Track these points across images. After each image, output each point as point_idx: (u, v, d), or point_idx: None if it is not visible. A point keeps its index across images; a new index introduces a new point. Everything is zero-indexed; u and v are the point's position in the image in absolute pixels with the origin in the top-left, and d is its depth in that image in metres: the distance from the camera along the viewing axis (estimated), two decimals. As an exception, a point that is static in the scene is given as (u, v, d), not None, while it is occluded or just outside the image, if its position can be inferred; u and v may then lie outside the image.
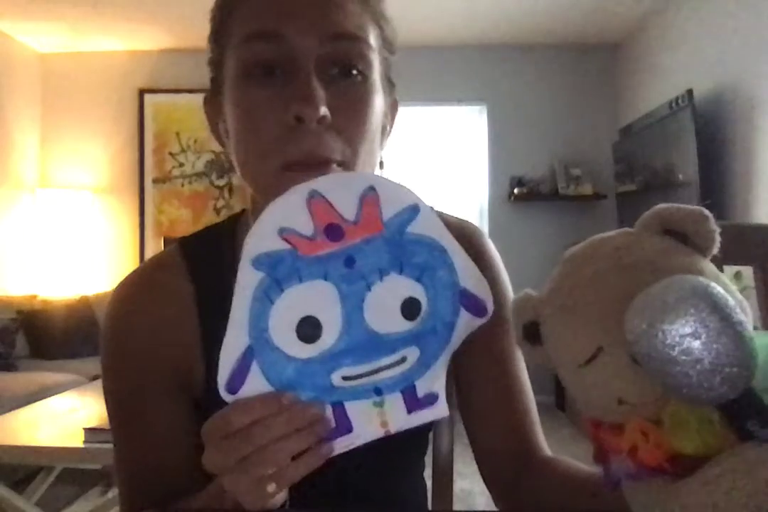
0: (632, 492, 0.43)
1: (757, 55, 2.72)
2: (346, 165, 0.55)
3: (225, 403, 0.62)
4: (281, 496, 0.47)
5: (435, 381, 0.47)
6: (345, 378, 0.45)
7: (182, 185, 4.33)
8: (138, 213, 4.37)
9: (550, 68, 4.29)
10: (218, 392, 0.62)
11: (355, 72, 0.55)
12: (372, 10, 0.59)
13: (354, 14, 0.56)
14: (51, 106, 4.38)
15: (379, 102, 0.58)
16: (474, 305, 0.48)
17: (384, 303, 0.45)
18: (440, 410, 0.47)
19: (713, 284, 0.36)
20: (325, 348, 0.44)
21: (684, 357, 0.35)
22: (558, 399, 4.00)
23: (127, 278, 0.66)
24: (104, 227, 4.36)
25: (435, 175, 4.31)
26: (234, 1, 0.58)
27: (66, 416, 2.02)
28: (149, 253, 4.30)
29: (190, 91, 3.95)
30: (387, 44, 0.62)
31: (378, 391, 0.46)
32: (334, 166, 0.54)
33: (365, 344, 0.45)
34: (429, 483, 0.80)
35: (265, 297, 0.43)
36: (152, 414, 0.63)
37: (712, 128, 3.02)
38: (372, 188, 0.44)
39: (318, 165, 0.53)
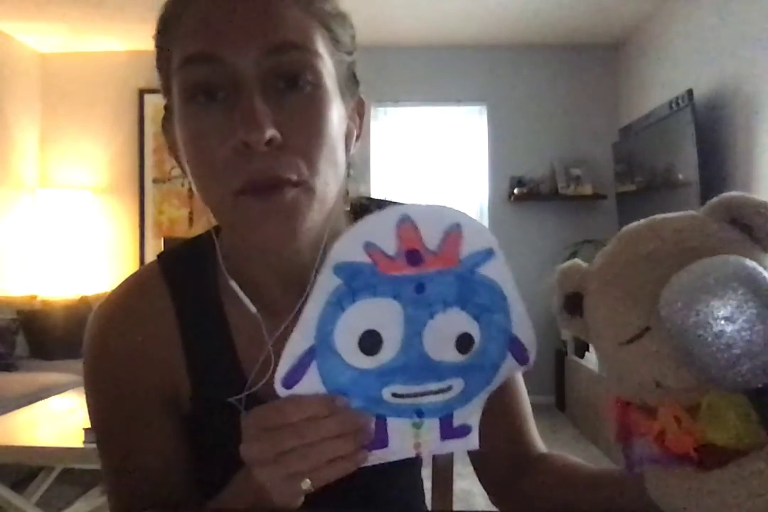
0: (653, 476, 0.43)
1: (757, 55, 2.72)
2: (305, 183, 0.52)
3: (212, 417, 0.62)
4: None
5: (471, 414, 0.50)
6: (394, 395, 0.47)
7: (182, 185, 4.33)
8: (138, 213, 4.37)
9: (550, 68, 4.30)
10: (204, 408, 0.62)
11: (302, 83, 0.52)
12: (316, 12, 0.55)
13: (295, 21, 0.53)
14: (51, 106, 4.38)
15: (335, 110, 0.55)
16: (520, 353, 0.50)
17: (442, 333, 0.47)
18: (471, 442, 0.50)
19: (759, 269, 0.35)
20: (381, 363, 0.46)
21: (716, 341, 0.34)
22: (558, 400, 4.00)
23: (107, 299, 0.65)
24: (104, 227, 4.36)
25: (435, 175, 4.31)
26: (168, 24, 0.56)
27: (66, 416, 2.02)
28: (149, 253, 4.30)
29: None
30: (340, 45, 0.58)
31: (419, 413, 0.48)
32: (289, 187, 0.51)
33: (418, 366, 0.47)
34: (429, 483, 0.80)
35: (338, 303, 0.45)
36: (138, 432, 0.62)
37: (712, 128, 3.02)
38: (458, 225, 0.46)
39: (272, 186, 0.51)
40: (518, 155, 4.26)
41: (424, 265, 0.46)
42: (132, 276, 0.67)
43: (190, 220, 4.27)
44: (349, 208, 0.69)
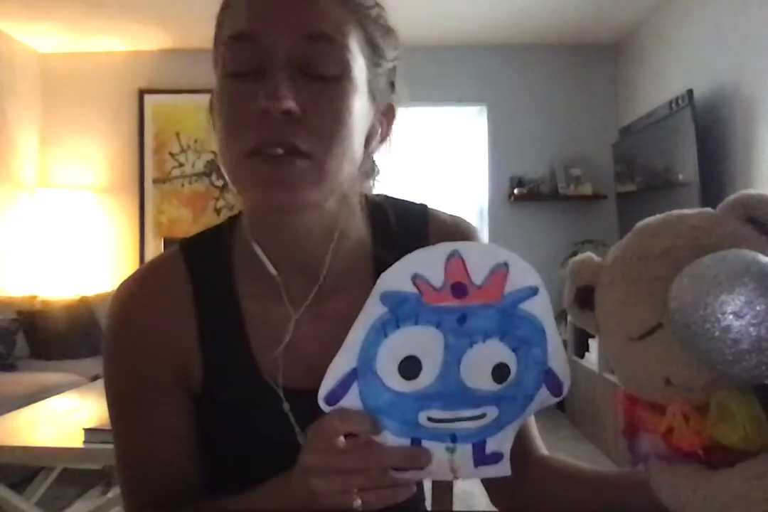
0: (659, 473, 0.43)
1: (757, 55, 2.72)
2: (316, 159, 0.55)
3: (223, 401, 0.64)
4: None
5: (504, 442, 0.51)
6: (430, 419, 0.49)
7: (182, 185, 4.33)
8: (138, 213, 4.37)
9: (550, 68, 4.30)
10: (215, 390, 0.64)
11: (328, 73, 0.56)
12: (355, 11, 0.58)
13: (331, 14, 0.56)
14: (51, 106, 4.38)
15: (358, 103, 0.58)
16: (554, 385, 0.52)
17: (479, 362, 0.49)
18: (503, 469, 0.51)
19: None
20: (419, 388, 0.48)
21: (723, 335, 0.34)
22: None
23: (128, 279, 0.67)
24: (104, 227, 4.36)
25: (435, 175, 4.31)
26: (225, 3, 0.60)
27: (66, 416, 2.02)
28: (149, 253, 4.30)
29: (190, 92, 3.94)
30: (376, 48, 0.62)
31: (453, 438, 0.50)
32: (299, 158, 0.54)
33: (454, 393, 0.49)
34: (429, 483, 0.80)
35: (382, 329, 0.48)
36: (152, 411, 0.64)
37: (712, 128, 3.02)
38: (505, 264, 0.49)
39: (283, 153, 0.54)
40: (518, 155, 4.26)
41: (468, 298, 0.48)
42: (153, 259, 0.70)
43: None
44: (368, 210, 0.71)
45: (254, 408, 0.63)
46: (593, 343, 3.41)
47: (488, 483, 0.72)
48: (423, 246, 0.66)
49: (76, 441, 1.71)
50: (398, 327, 0.48)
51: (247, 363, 0.64)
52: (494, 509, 0.72)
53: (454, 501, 0.84)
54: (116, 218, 4.39)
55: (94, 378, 3.02)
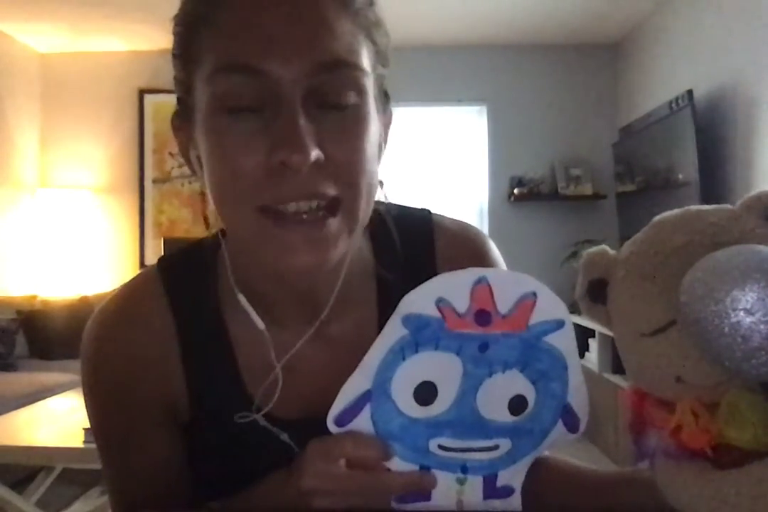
0: (664, 469, 0.42)
1: (757, 55, 2.72)
2: (345, 202, 0.50)
3: (212, 428, 0.61)
4: None
5: (516, 476, 0.50)
6: (440, 447, 0.48)
7: (182, 185, 4.32)
8: (138, 213, 4.37)
9: (550, 68, 4.29)
10: (204, 419, 0.61)
11: (346, 102, 0.49)
12: (364, 23, 0.51)
13: (345, 34, 0.49)
14: (51, 106, 4.37)
15: (374, 129, 0.52)
16: (571, 422, 0.50)
17: (497, 392, 0.47)
18: (513, 504, 0.50)
19: None
20: (432, 414, 0.47)
21: (732, 331, 0.34)
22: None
23: (104, 306, 0.63)
24: (104, 227, 4.36)
25: (435, 175, 4.31)
26: (201, 18, 0.50)
27: (66, 416, 2.02)
28: (149, 253, 4.30)
29: None
30: (381, 58, 0.55)
31: (464, 470, 0.49)
32: (331, 217, 0.49)
33: (468, 422, 0.47)
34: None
35: (400, 352, 0.46)
36: (139, 444, 0.61)
37: (712, 128, 3.02)
38: (534, 294, 0.47)
39: (308, 208, 0.48)
40: (518, 155, 4.26)
41: (492, 326, 0.46)
42: (130, 281, 0.65)
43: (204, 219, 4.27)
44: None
45: (245, 437, 0.60)
46: (593, 343, 3.41)
47: None
48: (430, 261, 0.64)
49: (76, 441, 1.71)
50: (417, 351, 0.46)
51: (235, 392, 0.60)
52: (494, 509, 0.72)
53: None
54: (116, 218, 4.39)
55: (94, 378, 3.01)
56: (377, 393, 0.47)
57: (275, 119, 0.47)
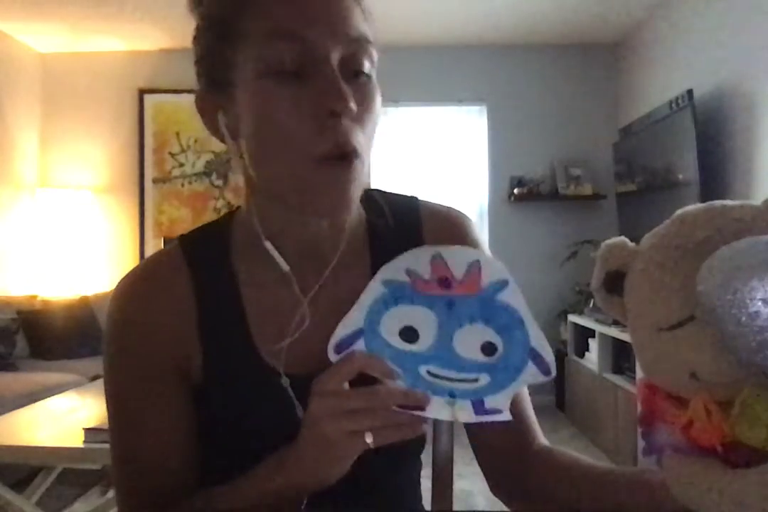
0: (673, 464, 0.42)
1: (757, 55, 2.72)
2: (362, 156, 0.57)
3: (222, 390, 0.64)
4: None
5: (501, 401, 0.55)
6: (429, 373, 0.54)
7: (182, 185, 4.33)
8: (138, 213, 4.37)
9: (550, 68, 4.30)
10: (215, 380, 0.64)
11: (366, 72, 0.58)
12: (365, 11, 0.60)
13: (359, 16, 0.58)
14: (51, 106, 4.38)
15: (380, 100, 0.60)
16: (540, 362, 0.56)
17: (470, 339, 0.56)
18: (504, 416, 0.55)
19: None
20: (418, 349, 0.55)
21: (749, 322, 0.33)
22: (558, 399, 4.00)
23: (127, 275, 0.68)
24: (104, 227, 4.36)
25: (435, 175, 4.31)
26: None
27: (66, 416, 2.02)
28: (149, 253, 4.28)
29: (190, 91, 3.82)
30: (376, 43, 0.63)
31: (452, 394, 0.54)
32: (356, 160, 0.56)
33: (449, 358, 0.55)
34: (428, 483, 0.80)
35: (383, 304, 0.57)
36: (152, 409, 0.64)
37: (712, 128, 3.02)
38: (478, 261, 0.58)
39: (348, 157, 0.55)
40: (518, 155, 4.26)
41: (453, 290, 0.57)
42: (154, 254, 0.71)
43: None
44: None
45: (255, 394, 0.64)
46: (593, 343, 3.41)
47: (489, 472, 0.73)
48: (418, 237, 0.72)
49: (76, 441, 1.71)
50: (396, 304, 0.56)
51: (246, 348, 0.65)
52: (494, 509, 0.72)
53: (454, 500, 0.84)
54: (116, 218, 4.39)
55: (94, 378, 3.02)
56: (368, 331, 0.55)
57: (317, 79, 0.55)
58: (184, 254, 0.68)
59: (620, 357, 3.22)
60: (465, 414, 0.54)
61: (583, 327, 3.56)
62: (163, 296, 0.66)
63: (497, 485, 0.73)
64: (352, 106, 0.54)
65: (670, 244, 0.42)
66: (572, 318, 3.74)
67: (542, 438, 0.72)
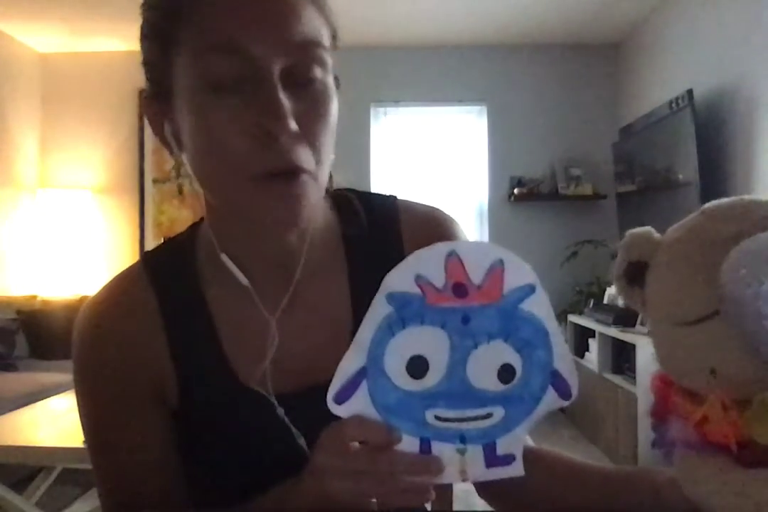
0: (684, 460, 0.42)
1: (757, 55, 2.72)
2: (314, 174, 0.55)
3: (200, 416, 0.62)
4: None
5: (514, 443, 0.51)
6: (437, 418, 0.49)
7: (182, 185, 4.32)
8: (138, 213, 4.37)
9: (551, 68, 4.29)
10: (194, 404, 0.62)
11: (316, 80, 0.55)
12: (322, 8, 0.57)
13: (310, 19, 0.55)
14: (51, 106, 4.38)
15: (335, 101, 0.57)
16: (562, 387, 0.51)
17: (485, 362, 0.49)
18: (516, 470, 0.51)
19: None
20: (426, 387, 0.49)
21: None
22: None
23: (91, 300, 0.66)
24: (104, 227, 4.36)
25: (435, 175, 4.31)
26: (180, 5, 0.54)
27: (66, 416, 2.02)
28: (149, 253, 4.30)
29: None
30: (335, 41, 0.60)
31: (462, 439, 0.50)
32: (304, 176, 0.54)
33: (460, 392, 0.49)
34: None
35: (388, 328, 0.49)
36: (128, 424, 0.62)
37: (712, 128, 3.02)
38: (501, 261, 0.49)
39: (291, 174, 0.53)
40: (518, 155, 4.26)
41: (469, 298, 0.49)
42: (117, 275, 0.68)
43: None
44: (331, 199, 0.71)
45: (233, 414, 0.62)
46: (593, 343, 3.41)
47: (480, 487, 0.70)
48: (397, 241, 0.68)
49: (76, 441, 1.71)
50: (404, 326, 0.49)
51: (221, 368, 0.62)
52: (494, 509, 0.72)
53: (454, 500, 0.84)
54: (116, 218, 4.39)
55: (94, 378, 3.01)
56: (372, 370, 0.49)
57: (257, 94, 0.52)
58: (147, 274, 0.65)
59: (620, 357, 3.22)
60: (475, 467, 0.50)
61: (583, 327, 3.56)
62: (129, 320, 0.63)
63: (483, 486, 0.70)
64: (291, 125, 0.51)
65: (696, 238, 0.42)
66: (572, 318, 3.74)
67: (529, 440, 0.71)
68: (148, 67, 0.59)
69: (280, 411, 0.61)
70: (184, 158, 0.59)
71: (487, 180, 4.31)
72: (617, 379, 3.11)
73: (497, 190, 4.28)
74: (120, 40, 4.15)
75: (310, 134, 0.54)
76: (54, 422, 1.99)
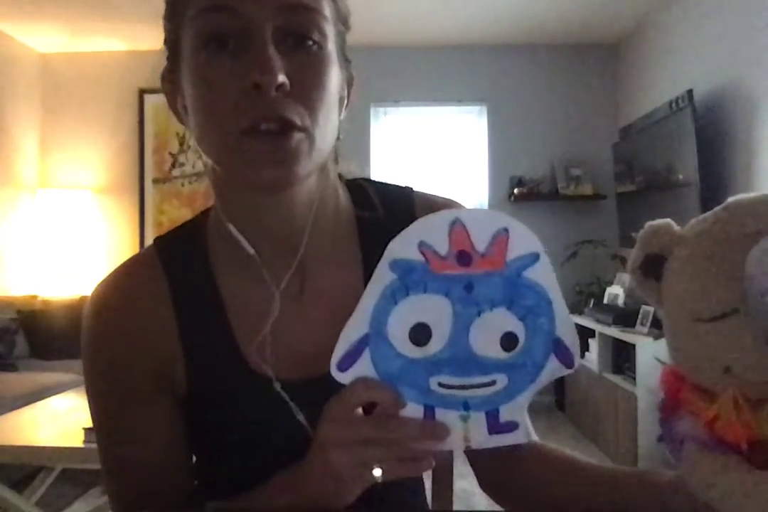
0: (693, 458, 0.42)
1: (757, 55, 2.72)
2: (307, 130, 0.54)
3: (208, 402, 0.62)
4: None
5: (517, 411, 0.51)
6: (441, 385, 0.49)
7: (182, 185, 4.33)
8: (138, 213, 4.37)
9: (550, 68, 4.30)
10: (202, 389, 0.62)
11: (311, 42, 0.55)
12: None
13: None
14: (51, 106, 4.38)
15: (335, 72, 0.58)
16: (564, 355, 0.51)
17: (488, 330, 0.49)
18: (520, 436, 0.51)
19: None
20: (429, 354, 0.49)
21: None
22: (558, 399, 4.00)
23: (101, 282, 0.66)
24: (104, 227, 4.36)
25: (435, 175, 4.31)
26: None
27: (66, 416, 2.02)
28: (149, 253, 4.30)
29: None
30: (341, 18, 0.61)
31: (466, 406, 0.50)
32: (296, 132, 0.53)
33: (464, 360, 0.49)
34: (429, 483, 0.80)
35: (392, 296, 0.49)
36: (137, 414, 0.62)
37: (712, 128, 3.02)
38: (506, 229, 0.49)
39: (279, 129, 0.53)
40: (518, 155, 4.26)
41: (473, 266, 0.48)
42: (129, 259, 0.68)
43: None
44: (346, 187, 0.71)
45: (242, 399, 0.62)
46: (593, 343, 3.41)
47: (478, 467, 0.71)
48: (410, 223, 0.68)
49: (76, 440, 1.71)
50: (408, 294, 0.48)
51: (231, 353, 0.62)
52: (494, 509, 0.72)
53: (454, 500, 0.84)
54: (116, 218, 4.39)
55: (94, 378, 3.01)
56: (374, 337, 0.49)
57: (247, 50, 0.52)
58: (159, 257, 0.65)
59: (620, 357, 3.22)
60: (478, 434, 0.50)
61: (583, 327, 3.56)
62: (139, 303, 0.63)
63: (485, 481, 0.71)
64: (280, 79, 0.51)
65: (719, 233, 0.41)
66: (572, 318, 3.73)
67: (533, 435, 0.71)
68: (166, 45, 0.61)
69: (277, 385, 0.60)
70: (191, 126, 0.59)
71: (487, 180, 4.31)
72: (617, 379, 3.11)
73: (497, 190, 4.28)
74: (120, 40, 4.15)
75: (303, 93, 0.54)
76: (54, 422, 1.99)
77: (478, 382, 0.49)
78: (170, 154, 4.33)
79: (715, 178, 2.93)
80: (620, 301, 3.40)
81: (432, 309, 0.48)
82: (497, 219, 0.49)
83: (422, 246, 0.48)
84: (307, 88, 0.54)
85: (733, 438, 0.38)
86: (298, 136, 0.53)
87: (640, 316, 3.04)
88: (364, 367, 0.49)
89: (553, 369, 0.51)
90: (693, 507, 0.44)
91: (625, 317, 3.13)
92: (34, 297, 3.96)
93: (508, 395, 0.50)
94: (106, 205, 4.37)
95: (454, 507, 0.82)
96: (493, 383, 0.50)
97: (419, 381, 0.49)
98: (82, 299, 3.92)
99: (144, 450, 0.62)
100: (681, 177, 3.11)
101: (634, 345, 2.90)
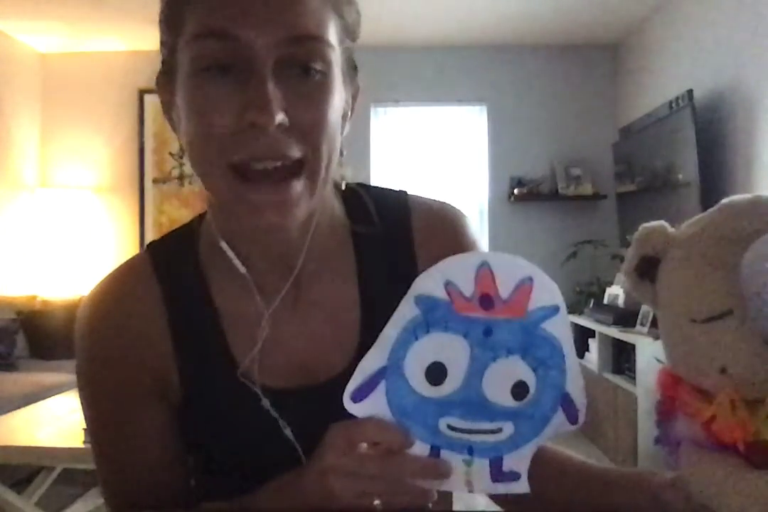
0: (691, 458, 0.42)
1: (757, 56, 2.72)
2: (308, 165, 0.53)
3: (203, 408, 0.62)
4: None
5: (521, 461, 0.51)
6: (449, 427, 0.49)
7: (182, 185, 4.33)
8: (138, 213, 4.37)
9: (551, 68, 4.29)
10: (193, 393, 0.62)
11: (313, 72, 0.53)
12: (337, 3, 0.56)
13: (314, 10, 0.53)
14: (51, 106, 4.37)
15: (338, 98, 0.56)
16: (571, 410, 0.51)
17: (501, 377, 0.49)
18: (521, 487, 0.51)
19: None
20: (442, 394, 0.49)
21: None
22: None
23: (97, 285, 0.65)
24: (104, 227, 4.36)
25: (435, 175, 4.30)
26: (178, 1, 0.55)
27: (66, 416, 2.02)
28: (149, 253, 4.30)
29: None
30: (349, 33, 0.59)
31: (470, 451, 0.50)
32: (295, 180, 0.53)
33: (474, 404, 0.49)
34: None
35: (413, 331, 0.49)
36: (131, 418, 0.62)
37: (712, 128, 3.02)
38: (530, 278, 0.49)
39: (279, 169, 0.52)
40: (518, 155, 4.26)
41: (494, 311, 0.49)
42: (121, 264, 0.67)
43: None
44: (340, 194, 0.69)
45: (235, 409, 0.61)
46: (593, 343, 3.41)
47: None
48: (408, 238, 0.67)
49: (76, 441, 1.71)
50: (428, 331, 0.49)
51: (224, 363, 0.62)
52: (494, 509, 0.72)
53: (454, 500, 0.84)
54: (116, 218, 4.39)
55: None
56: (392, 371, 0.49)
57: (246, 83, 0.51)
58: (152, 263, 0.65)
59: (620, 357, 3.22)
60: (481, 480, 0.50)
61: (583, 327, 3.55)
62: (131, 310, 0.62)
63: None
64: (278, 119, 0.50)
65: (714, 235, 0.41)
66: (572, 318, 3.73)
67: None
68: (161, 47, 0.60)
69: (266, 402, 0.60)
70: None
71: (487, 180, 4.30)
72: (617, 379, 3.11)
73: (497, 190, 4.28)
74: (120, 40, 4.15)
75: (303, 127, 0.52)
76: (54, 422, 1.99)
77: (486, 428, 0.50)
78: (170, 154, 4.33)
79: (715, 178, 2.93)
80: (620, 301, 3.40)
81: (451, 349, 0.49)
82: (523, 267, 0.50)
83: (449, 285, 0.49)
84: (308, 123, 0.53)
85: (730, 439, 0.38)
86: (298, 184, 0.53)
87: (639, 316, 3.04)
88: (377, 401, 0.49)
89: (558, 423, 0.51)
90: (691, 507, 0.44)
91: (625, 317, 3.13)
92: (34, 297, 3.95)
93: (512, 444, 0.50)
94: (106, 204, 4.37)
95: (454, 508, 0.82)
96: (499, 430, 0.50)
97: (429, 421, 0.49)
98: (82, 299, 3.91)
99: (138, 453, 0.62)
100: (681, 177, 3.11)
101: (633, 346, 2.90)
